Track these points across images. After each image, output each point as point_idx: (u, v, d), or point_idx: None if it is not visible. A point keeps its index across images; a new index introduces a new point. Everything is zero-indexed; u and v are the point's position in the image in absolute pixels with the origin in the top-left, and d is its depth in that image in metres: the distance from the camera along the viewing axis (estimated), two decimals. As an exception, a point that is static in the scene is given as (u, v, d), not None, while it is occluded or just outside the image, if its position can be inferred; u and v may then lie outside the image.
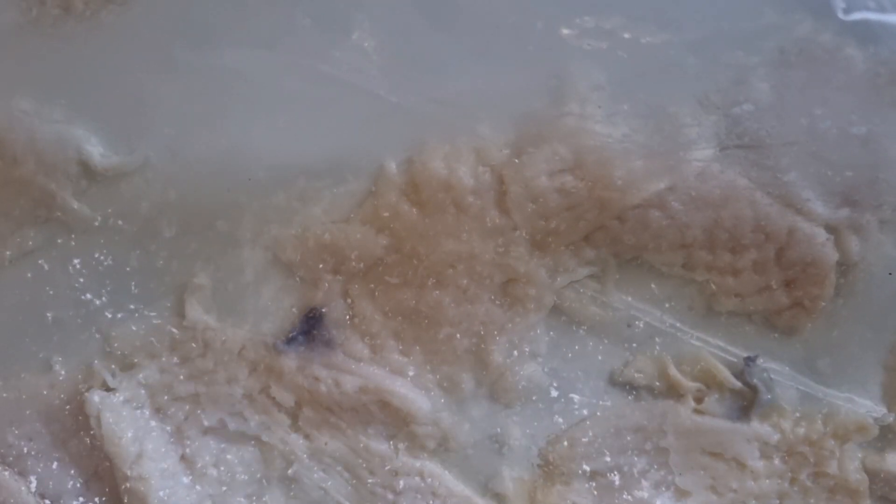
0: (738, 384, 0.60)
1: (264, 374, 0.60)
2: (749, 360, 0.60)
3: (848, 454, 0.59)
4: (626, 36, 0.62)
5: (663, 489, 0.60)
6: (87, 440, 0.60)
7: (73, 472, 0.60)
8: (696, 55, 0.61)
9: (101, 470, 0.60)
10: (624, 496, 0.60)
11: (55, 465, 0.60)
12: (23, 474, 0.60)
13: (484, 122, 0.61)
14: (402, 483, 0.59)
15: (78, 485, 0.60)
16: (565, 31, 0.62)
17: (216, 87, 0.62)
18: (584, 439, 0.60)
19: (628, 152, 0.59)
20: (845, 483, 0.59)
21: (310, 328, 0.61)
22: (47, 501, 0.60)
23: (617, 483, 0.60)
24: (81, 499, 0.60)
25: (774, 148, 0.59)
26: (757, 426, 0.60)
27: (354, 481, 0.60)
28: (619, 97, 0.60)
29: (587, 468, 0.60)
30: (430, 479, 0.60)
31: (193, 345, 0.61)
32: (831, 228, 0.59)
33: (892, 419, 0.60)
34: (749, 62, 0.60)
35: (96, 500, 0.60)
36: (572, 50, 0.62)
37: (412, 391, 0.60)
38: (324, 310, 0.61)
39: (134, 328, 0.61)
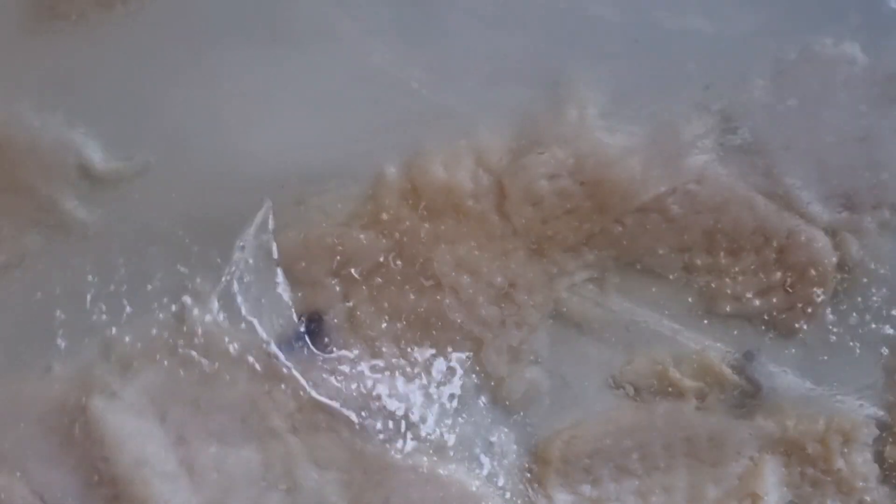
0: (740, 380, 0.60)
1: (265, 377, 0.60)
2: (749, 355, 0.61)
3: (855, 448, 0.59)
4: (631, 39, 0.62)
5: (664, 487, 0.60)
6: (87, 444, 0.60)
7: (71, 476, 0.60)
8: (697, 57, 0.61)
9: (100, 474, 0.60)
10: (623, 495, 0.60)
11: (54, 469, 0.60)
12: (20, 478, 0.60)
13: (483, 126, 0.61)
14: (400, 479, 0.59)
15: (77, 489, 0.60)
16: (572, 31, 0.62)
17: (216, 90, 0.62)
18: (583, 439, 0.60)
19: (628, 156, 0.59)
20: (852, 477, 0.59)
21: (310, 331, 0.61)
22: None
23: (615, 483, 0.60)
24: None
25: (774, 151, 0.59)
26: (761, 422, 0.60)
27: (352, 484, 0.60)
28: (619, 101, 0.61)
29: (586, 468, 0.60)
30: (427, 474, 0.60)
31: (194, 349, 0.61)
32: (831, 231, 0.60)
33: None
34: (750, 66, 0.60)
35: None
36: (573, 52, 0.62)
37: (411, 393, 0.60)
38: (324, 313, 0.61)
39: (135, 332, 0.61)
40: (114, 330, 0.61)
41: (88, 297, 0.62)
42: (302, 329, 0.61)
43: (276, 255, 0.61)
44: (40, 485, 0.60)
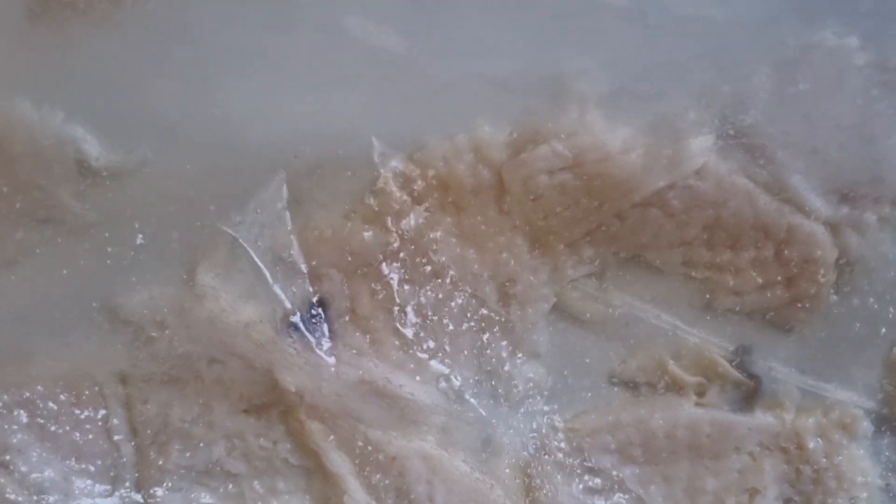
0: (740, 375, 0.60)
1: (268, 353, 0.60)
2: (746, 349, 0.61)
3: (854, 442, 0.60)
4: (630, 31, 0.61)
5: (664, 477, 0.61)
6: (76, 434, 0.61)
7: (57, 463, 0.61)
8: (698, 53, 0.60)
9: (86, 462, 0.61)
10: (623, 489, 0.60)
11: (40, 456, 0.61)
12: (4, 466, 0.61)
13: (483, 120, 0.61)
14: (402, 467, 0.60)
15: (62, 477, 0.61)
16: (569, 23, 0.62)
17: (214, 85, 0.62)
18: (584, 433, 0.61)
19: (628, 151, 0.59)
20: (851, 471, 0.59)
21: (312, 318, 0.61)
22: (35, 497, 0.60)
23: (617, 471, 0.61)
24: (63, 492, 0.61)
25: (775, 146, 0.59)
26: (760, 417, 0.60)
27: (361, 468, 0.60)
28: (619, 95, 0.60)
29: (586, 462, 0.61)
30: (431, 463, 0.60)
31: (199, 333, 0.61)
32: (830, 225, 0.60)
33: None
34: (751, 60, 0.60)
35: (79, 491, 0.61)
36: (579, 43, 0.61)
37: (412, 386, 0.61)
38: (328, 303, 0.61)
39: (132, 331, 0.62)
40: (111, 330, 0.62)
41: (86, 294, 0.62)
42: (304, 314, 0.61)
43: (276, 248, 0.62)
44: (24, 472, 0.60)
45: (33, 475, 0.60)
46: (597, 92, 0.61)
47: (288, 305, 0.61)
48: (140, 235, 0.62)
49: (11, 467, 0.60)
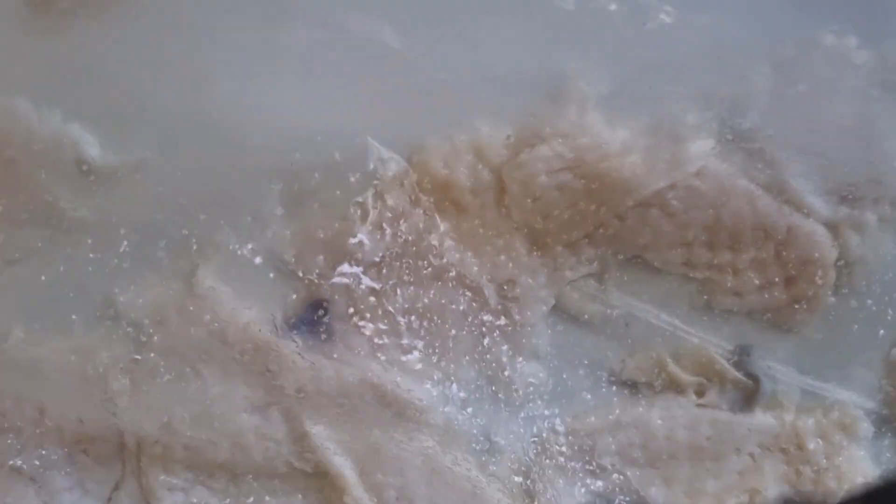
0: (740, 375, 0.61)
1: (268, 354, 0.60)
2: (745, 349, 0.61)
3: (854, 443, 0.60)
4: (629, 31, 0.61)
5: (665, 479, 0.61)
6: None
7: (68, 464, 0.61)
8: (697, 53, 0.60)
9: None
10: (625, 485, 0.60)
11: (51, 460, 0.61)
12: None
13: (483, 121, 0.61)
14: (403, 468, 0.60)
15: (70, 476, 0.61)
16: (568, 23, 0.62)
17: (212, 84, 0.62)
18: (584, 433, 0.61)
19: (628, 151, 0.59)
20: (852, 472, 0.59)
21: (313, 318, 0.61)
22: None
23: (616, 476, 0.61)
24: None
25: (775, 146, 0.59)
26: (760, 417, 0.60)
27: (361, 466, 0.60)
28: (619, 96, 0.60)
29: (588, 465, 0.61)
30: (432, 465, 0.60)
31: (199, 330, 0.60)
32: (831, 226, 0.60)
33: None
34: (750, 60, 0.60)
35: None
36: (577, 44, 0.61)
37: (413, 388, 0.60)
38: (327, 303, 0.61)
39: (132, 331, 0.61)
40: (113, 327, 0.61)
41: (86, 292, 0.62)
42: (304, 315, 0.61)
43: (275, 249, 0.61)
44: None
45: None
46: (596, 92, 0.61)
47: (288, 307, 0.61)
48: (140, 234, 0.62)
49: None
